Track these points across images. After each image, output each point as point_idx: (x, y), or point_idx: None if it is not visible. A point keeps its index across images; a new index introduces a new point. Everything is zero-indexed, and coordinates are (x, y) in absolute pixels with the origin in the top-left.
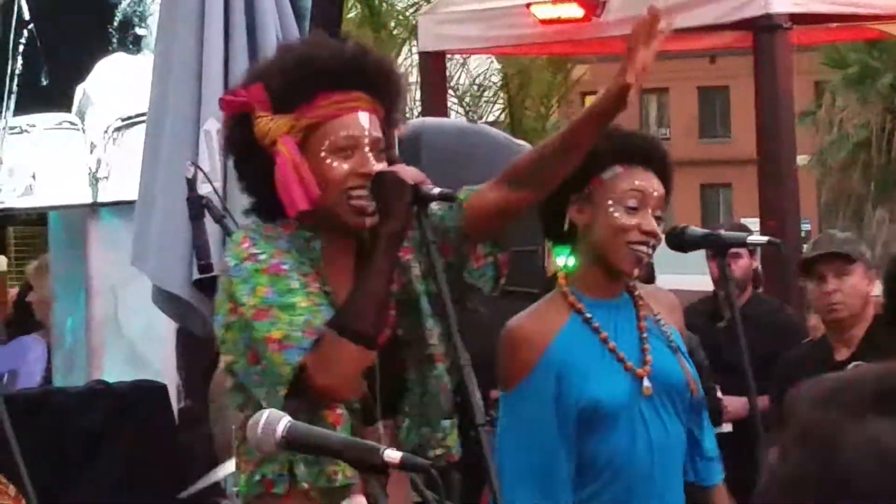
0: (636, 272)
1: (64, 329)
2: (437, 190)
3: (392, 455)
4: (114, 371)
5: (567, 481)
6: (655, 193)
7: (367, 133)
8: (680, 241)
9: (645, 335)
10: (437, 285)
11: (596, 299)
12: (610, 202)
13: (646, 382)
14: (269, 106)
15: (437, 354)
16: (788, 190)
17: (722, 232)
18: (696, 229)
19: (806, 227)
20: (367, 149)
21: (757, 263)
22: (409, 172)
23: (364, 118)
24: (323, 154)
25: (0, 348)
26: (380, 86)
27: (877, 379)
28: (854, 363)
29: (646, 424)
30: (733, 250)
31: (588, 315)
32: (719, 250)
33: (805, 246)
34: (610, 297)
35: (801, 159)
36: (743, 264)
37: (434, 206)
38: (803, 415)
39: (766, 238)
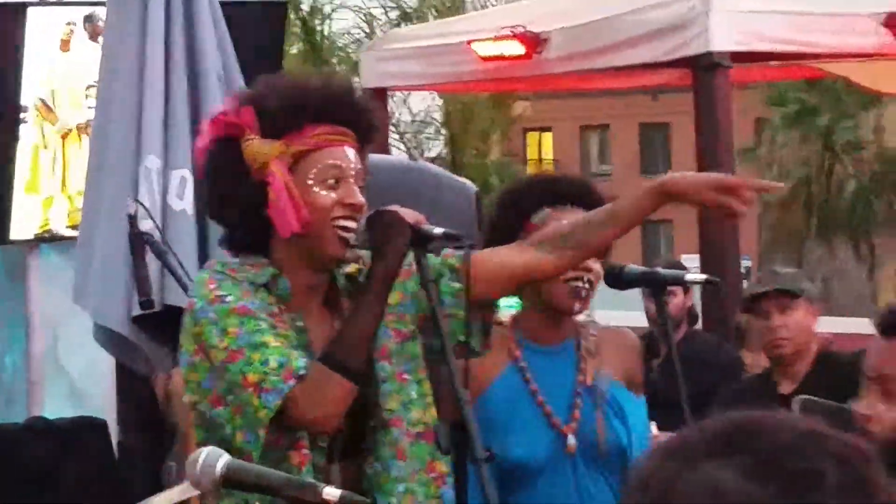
0: (576, 307)
1: (3, 365)
2: (438, 229)
3: (331, 493)
4: (54, 407)
5: None
6: None
7: (353, 166)
8: (618, 280)
9: (579, 390)
10: (437, 325)
11: (537, 346)
12: None
13: (570, 440)
14: (258, 130)
15: (393, 419)
16: (727, 227)
17: (660, 270)
18: (634, 267)
19: (746, 263)
20: (352, 180)
21: (692, 301)
22: (408, 212)
23: (350, 152)
24: (310, 182)
25: None
26: (361, 124)
27: (712, 428)
28: (799, 396)
29: (571, 483)
30: (668, 288)
31: (523, 364)
32: (657, 288)
33: (745, 282)
34: (552, 344)
35: None
36: (677, 302)
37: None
38: (643, 466)
39: (704, 276)
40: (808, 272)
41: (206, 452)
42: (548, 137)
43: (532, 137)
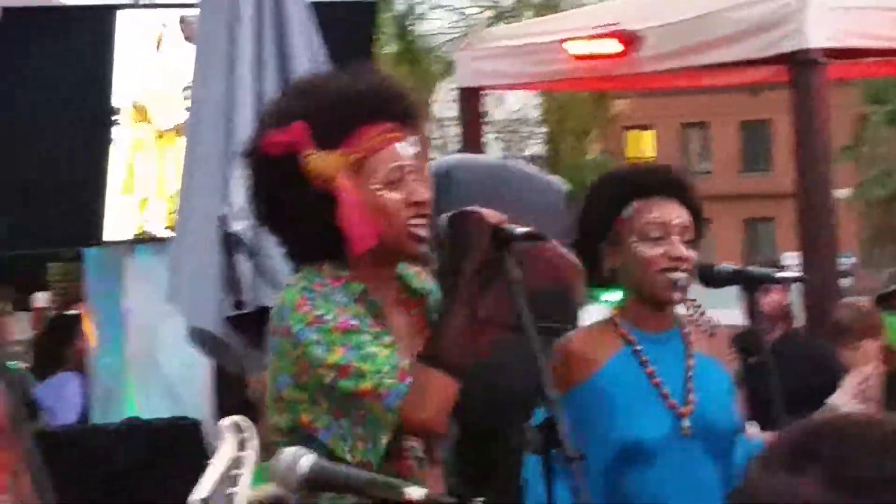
0: (676, 296)
1: (101, 366)
2: (520, 229)
3: (415, 492)
4: (150, 408)
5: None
6: (677, 221)
7: (411, 161)
8: (710, 278)
9: (691, 374)
10: (524, 327)
11: (646, 333)
12: (633, 238)
13: (686, 422)
14: (313, 144)
15: None
16: (826, 224)
17: (751, 269)
18: (726, 266)
19: (850, 260)
20: (413, 176)
21: (789, 299)
22: (489, 212)
23: (405, 147)
24: (375, 187)
25: (38, 385)
26: (408, 115)
27: (795, 434)
28: None
29: (683, 464)
30: (765, 285)
31: (638, 347)
32: (749, 287)
33: (849, 280)
34: (659, 331)
35: (843, 193)
36: (775, 300)
37: None
38: (745, 474)
39: (795, 274)
40: None
41: (290, 452)
42: (648, 136)
43: (632, 136)
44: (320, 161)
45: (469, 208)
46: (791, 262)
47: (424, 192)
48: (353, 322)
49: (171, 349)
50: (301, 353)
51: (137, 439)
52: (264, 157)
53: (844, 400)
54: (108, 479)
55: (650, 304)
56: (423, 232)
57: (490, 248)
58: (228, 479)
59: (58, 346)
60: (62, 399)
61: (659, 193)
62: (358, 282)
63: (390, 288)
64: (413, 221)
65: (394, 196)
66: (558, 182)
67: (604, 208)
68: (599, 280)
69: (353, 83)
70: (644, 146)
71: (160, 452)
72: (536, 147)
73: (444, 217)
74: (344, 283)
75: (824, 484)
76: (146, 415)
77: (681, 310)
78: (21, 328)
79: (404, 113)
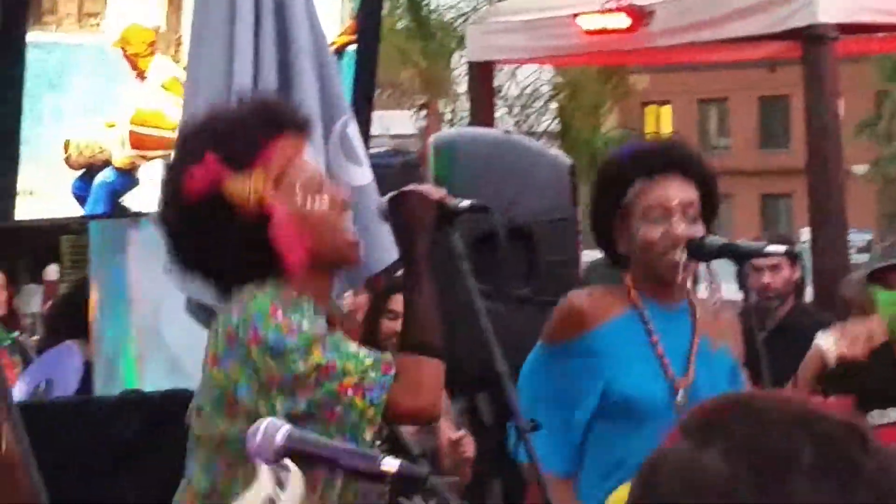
0: (679, 278)
1: (104, 338)
2: (465, 202)
3: (389, 463)
4: (154, 381)
5: (575, 437)
6: (676, 201)
7: (319, 166)
8: (699, 252)
9: (695, 350)
10: (471, 297)
11: (656, 303)
12: (636, 221)
13: (680, 394)
14: (229, 171)
15: None
16: (836, 200)
17: (740, 243)
18: (716, 239)
19: (867, 236)
20: (326, 180)
21: (798, 273)
22: (429, 189)
23: (310, 153)
24: (300, 200)
25: (38, 358)
26: (301, 123)
27: (707, 408)
28: None
29: None
30: (773, 261)
31: (646, 313)
32: (738, 260)
33: (868, 255)
34: (669, 304)
35: (860, 169)
36: (783, 275)
37: None
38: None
39: (784, 248)
40: None
41: (266, 423)
42: (666, 111)
43: (650, 111)
44: (244, 185)
45: (408, 187)
46: (807, 237)
47: (343, 191)
48: (322, 330)
49: (175, 321)
50: (276, 362)
51: (136, 412)
52: (188, 197)
53: (832, 338)
54: (106, 453)
55: (658, 281)
56: (355, 236)
57: (436, 224)
58: None
59: (66, 317)
60: (62, 372)
61: (661, 172)
62: (307, 296)
63: (327, 303)
64: (346, 225)
65: (320, 203)
66: (562, 156)
67: (610, 192)
68: (616, 259)
69: (245, 105)
70: (662, 122)
71: (159, 425)
72: (549, 122)
73: (384, 200)
74: (296, 296)
75: (727, 457)
76: (148, 387)
77: (700, 289)
78: (36, 302)
79: (298, 122)
